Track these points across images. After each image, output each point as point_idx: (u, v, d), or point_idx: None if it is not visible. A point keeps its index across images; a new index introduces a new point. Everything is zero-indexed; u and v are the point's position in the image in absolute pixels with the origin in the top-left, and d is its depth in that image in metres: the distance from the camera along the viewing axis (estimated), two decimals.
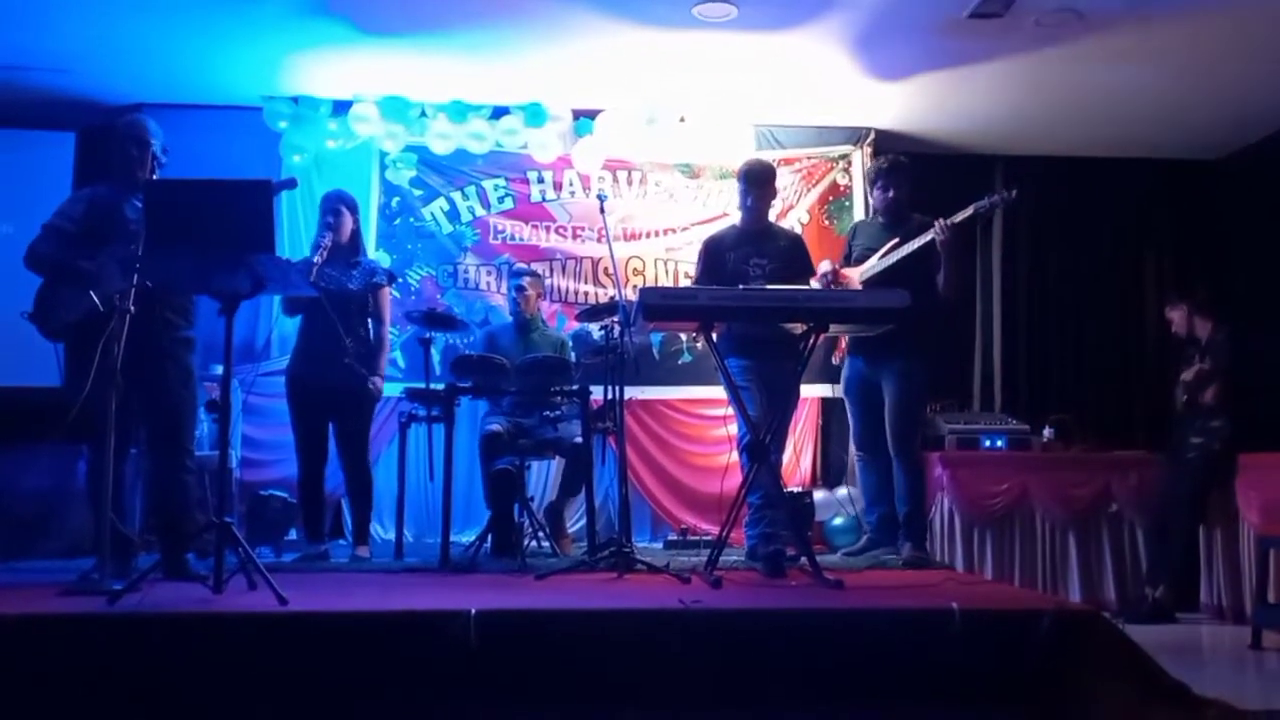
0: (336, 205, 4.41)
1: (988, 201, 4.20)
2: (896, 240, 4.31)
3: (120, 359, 3.14)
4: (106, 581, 3.06)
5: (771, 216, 4.69)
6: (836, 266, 4.45)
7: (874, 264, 4.36)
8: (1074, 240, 6.45)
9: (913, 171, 4.57)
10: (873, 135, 5.99)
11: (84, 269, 3.42)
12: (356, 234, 4.51)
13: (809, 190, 6.03)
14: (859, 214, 5.96)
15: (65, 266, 3.46)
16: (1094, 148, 6.28)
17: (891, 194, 4.49)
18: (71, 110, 5.57)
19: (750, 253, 4.30)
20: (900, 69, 5.26)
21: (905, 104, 5.71)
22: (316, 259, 4.19)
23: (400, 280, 5.54)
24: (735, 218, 4.69)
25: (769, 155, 5.83)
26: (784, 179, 5.89)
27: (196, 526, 3.57)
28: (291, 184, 4.08)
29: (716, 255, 4.37)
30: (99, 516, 3.24)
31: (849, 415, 4.72)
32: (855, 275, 4.38)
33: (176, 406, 3.61)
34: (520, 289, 5.03)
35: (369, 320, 4.43)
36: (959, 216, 4.17)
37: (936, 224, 4.18)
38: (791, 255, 4.38)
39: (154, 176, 3.59)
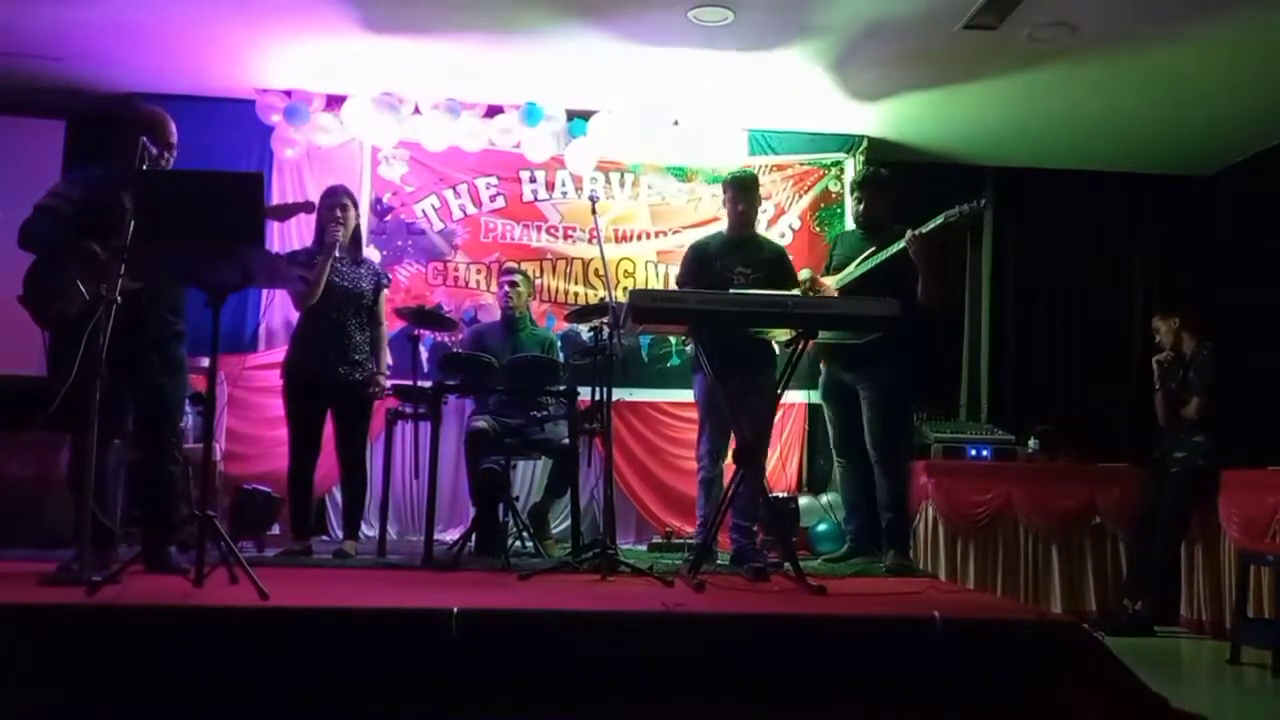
0: (344, 199, 4.40)
1: (957, 211, 4.21)
2: (872, 249, 4.35)
3: (107, 349, 3.11)
4: (86, 572, 3.03)
5: (763, 221, 4.71)
6: (816, 275, 4.49)
7: (850, 271, 4.40)
8: (1063, 252, 6.49)
9: (892, 183, 4.62)
10: (865, 143, 6.01)
11: (88, 254, 3.34)
12: (358, 231, 4.52)
13: (800, 196, 6.04)
14: (850, 221, 5.97)
15: (68, 251, 3.39)
16: (1085, 160, 6.31)
17: (864, 206, 4.57)
18: (62, 97, 5.55)
19: (735, 261, 4.33)
20: (894, 78, 5.27)
21: (898, 113, 5.72)
22: (338, 253, 4.22)
23: (389, 277, 5.52)
24: (724, 224, 4.71)
25: (761, 161, 5.86)
26: (776, 185, 5.90)
27: (179, 519, 3.55)
28: (309, 208, 4.10)
29: (701, 261, 4.39)
30: (80, 507, 3.22)
31: (827, 420, 4.76)
32: (832, 283, 4.42)
33: (165, 398, 3.58)
34: (512, 285, 5.03)
35: (370, 319, 4.45)
36: (927, 226, 4.22)
37: (907, 234, 4.22)
38: (776, 266, 4.42)
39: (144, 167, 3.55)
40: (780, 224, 5.93)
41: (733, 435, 3.99)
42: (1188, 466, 5.02)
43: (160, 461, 3.58)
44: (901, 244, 4.24)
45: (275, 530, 4.83)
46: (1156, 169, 6.39)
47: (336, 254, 4.25)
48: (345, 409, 4.36)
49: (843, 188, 6.06)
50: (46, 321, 3.45)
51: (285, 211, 4.13)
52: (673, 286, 5.70)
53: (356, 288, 4.36)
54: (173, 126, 3.62)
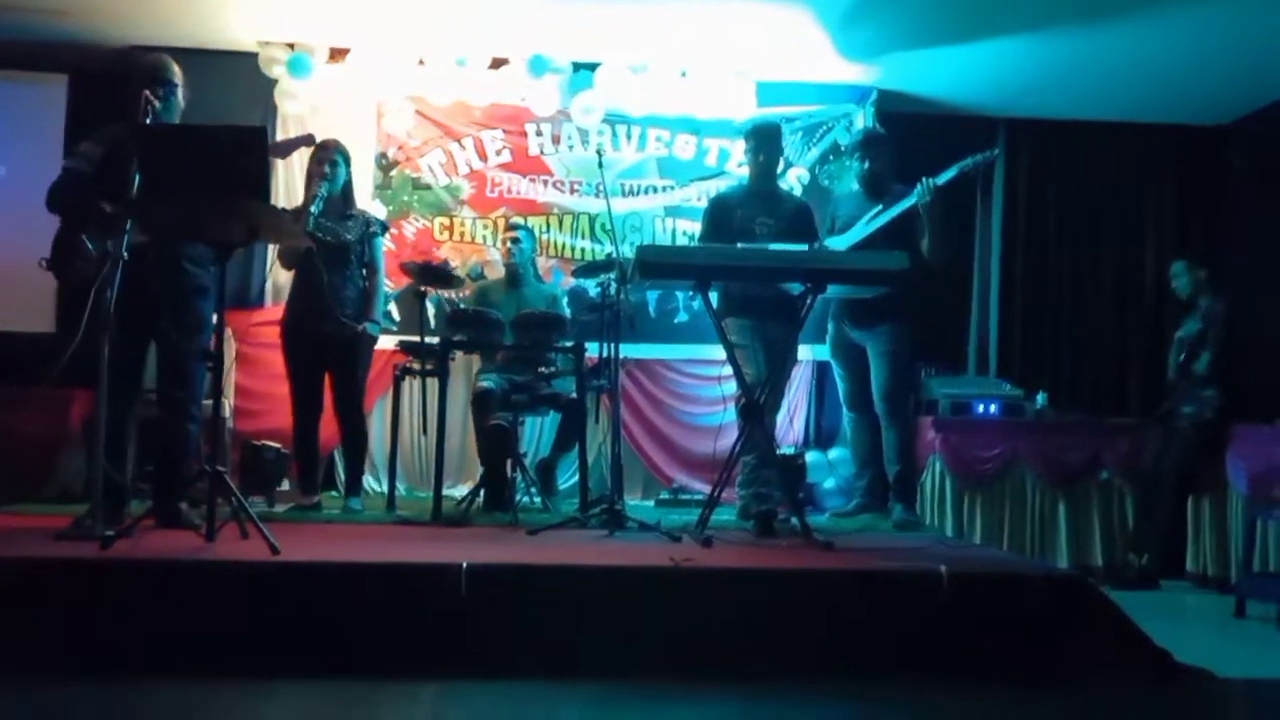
0: (333, 155, 4.38)
1: (971, 161, 4.20)
2: (880, 207, 4.31)
3: (124, 306, 3.11)
4: (99, 528, 3.07)
5: None
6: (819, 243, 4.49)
7: (858, 230, 4.37)
8: (1074, 205, 6.40)
9: (893, 143, 4.62)
10: (875, 94, 5.92)
11: (105, 216, 3.31)
12: (349, 185, 4.49)
13: (810, 149, 5.97)
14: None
15: (86, 212, 3.38)
16: (1098, 111, 6.22)
17: (868, 165, 4.55)
18: (65, 52, 5.49)
19: (757, 212, 4.29)
20: (904, 28, 5.18)
21: (908, 64, 5.63)
22: (313, 208, 4.17)
23: (395, 231, 5.50)
24: (735, 176, 4.67)
25: (770, 112, 5.77)
26: (785, 137, 5.82)
27: (190, 475, 3.58)
28: (309, 140, 4.05)
29: (723, 213, 4.35)
30: (93, 463, 3.24)
31: (836, 376, 4.77)
32: (838, 246, 4.40)
33: (179, 354, 3.57)
34: (514, 241, 5.01)
35: (364, 270, 4.44)
36: (943, 177, 4.18)
37: (920, 184, 4.18)
38: (798, 218, 4.38)
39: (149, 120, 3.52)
40: (789, 176, 5.86)
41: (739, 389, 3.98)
42: (1196, 421, 5.00)
43: (176, 419, 3.59)
44: (914, 199, 4.21)
45: (285, 486, 4.87)
46: (1172, 119, 6.29)
47: (314, 209, 4.20)
48: (337, 365, 4.37)
49: (852, 141, 5.99)
50: (68, 282, 3.46)
51: (286, 148, 4.10)
52: (681, 241, 5.69)
53: (340, 241, 4.33)
54: (175, 67, 3.59)
